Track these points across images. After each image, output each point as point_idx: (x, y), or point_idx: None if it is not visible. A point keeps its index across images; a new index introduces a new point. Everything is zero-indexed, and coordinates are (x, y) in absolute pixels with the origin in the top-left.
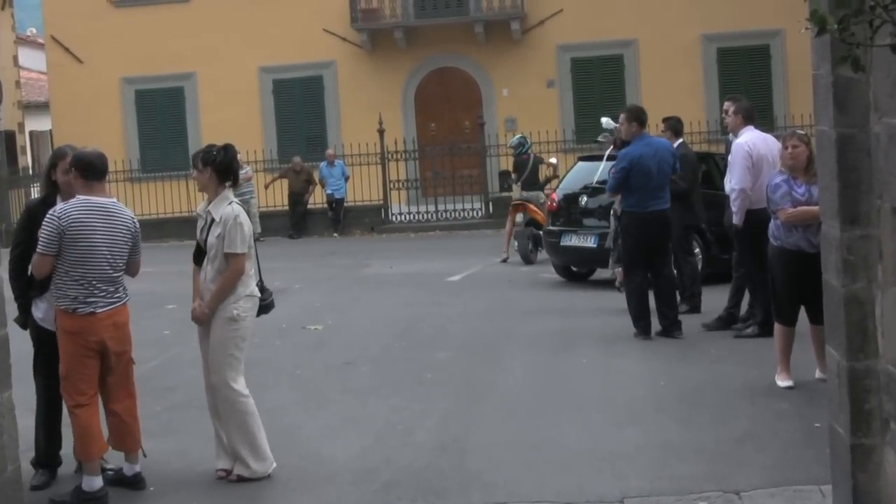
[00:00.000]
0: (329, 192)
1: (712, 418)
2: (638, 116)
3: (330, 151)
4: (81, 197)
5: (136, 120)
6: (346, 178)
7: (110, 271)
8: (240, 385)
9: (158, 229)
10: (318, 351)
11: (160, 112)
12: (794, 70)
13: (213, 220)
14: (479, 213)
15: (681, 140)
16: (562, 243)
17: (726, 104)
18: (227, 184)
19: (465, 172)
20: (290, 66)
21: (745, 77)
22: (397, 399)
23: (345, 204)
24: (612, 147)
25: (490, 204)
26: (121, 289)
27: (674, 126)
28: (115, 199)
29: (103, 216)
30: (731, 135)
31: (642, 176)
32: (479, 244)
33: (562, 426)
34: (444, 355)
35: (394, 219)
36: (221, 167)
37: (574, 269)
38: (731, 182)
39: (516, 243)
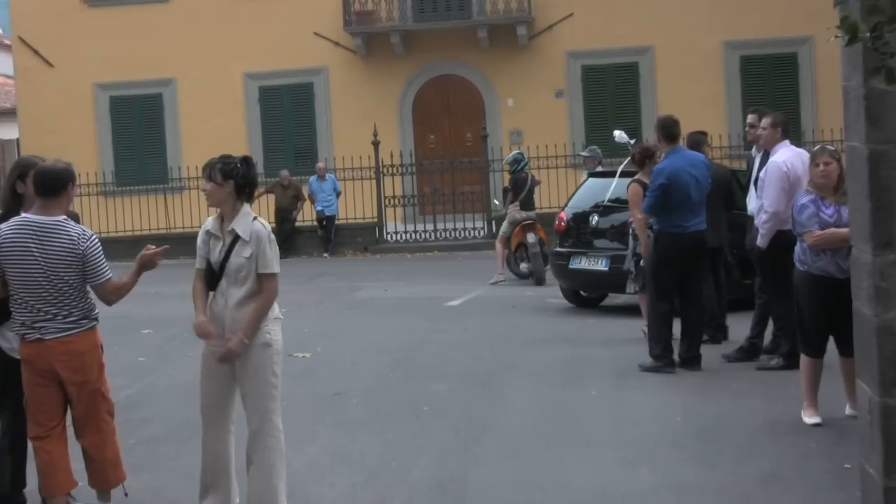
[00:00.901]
0: (319, 208)
1: (733, 457)
2: (665, 129)
3: (320, 165)
4: (21, 216)
5: (111, 129)
6: (338, 194)
7: (55, 294)
8: (279, 419)
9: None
10: (305, 380)
11: (136, 121)
12: (823, 81)
13: (237, 239)
14: (481, 233)
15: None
16: (570, 266)
17: (751, 117)
18: (244, 198)
19: (466, 189)
20: (277, 72)
21: (770, 88)
22: (391, 433)
23: (336, 221)
24: (627, 161)
25: (493, 223)
26: (77, 314)
27: (696, 141)
28: (63, 218)
29: (39, 236)
30: (753, 150)
31: (681, 192)
32: (480, 266)
33: (569, 465)
34: (442, 386)
35: (389, 238)
36: (244, 181)
37: (583, 293)
38: (763, 202)
39: (523, 265)
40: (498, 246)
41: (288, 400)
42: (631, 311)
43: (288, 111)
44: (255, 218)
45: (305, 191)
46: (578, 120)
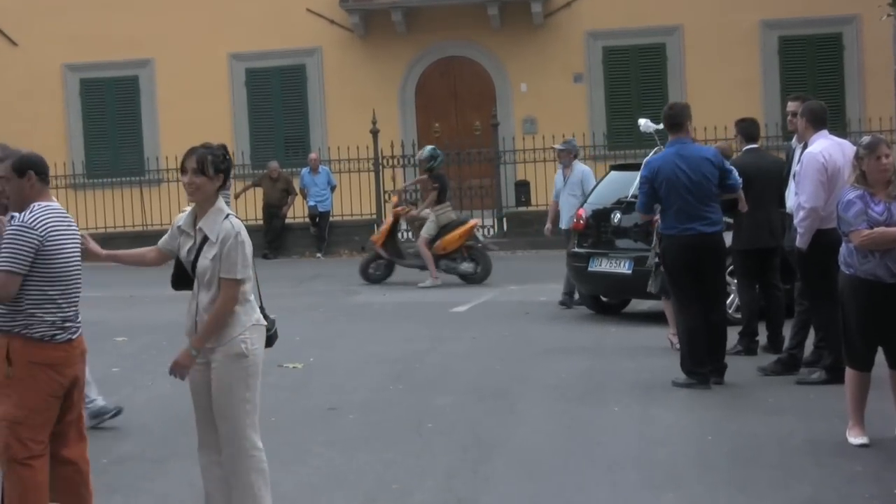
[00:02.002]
0: (312, 203)
1: (770, 481)
2: (666, 119)
3: (313, 155)
4: (42, 203)
5: (81, 115)
6: (333, 188)
7: (79, 288)
8: (257, 437)
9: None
10: (297, 394)
11: (110, 106)
12: (871, 64)
13: (205, 239)
14: (492, 231)
15: (751, 146)
16: (590, 268)
17: (791, 104)
18: (226, 192)
19: (474, 182)
20: (266, 53)
21: (812, 72)
22: (391, 453)
23: (330, 218)
24: (653, 153)
25: (504, 220)
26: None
27: (746, 129)
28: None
29: (71, 226)
30: (793, 141)
31: (672, 189)
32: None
33: (588, 488)
34: (447, 401)
35: None
36: (227, 176)
37: (604, 299)
38: (800, 199)
39: (466, 264)
40: (424, 249)
41: (277, 415)
42: (656, 318)
43: (277, 96)
44: (227, 216)
45: (296, 184)
46: (599, 107)
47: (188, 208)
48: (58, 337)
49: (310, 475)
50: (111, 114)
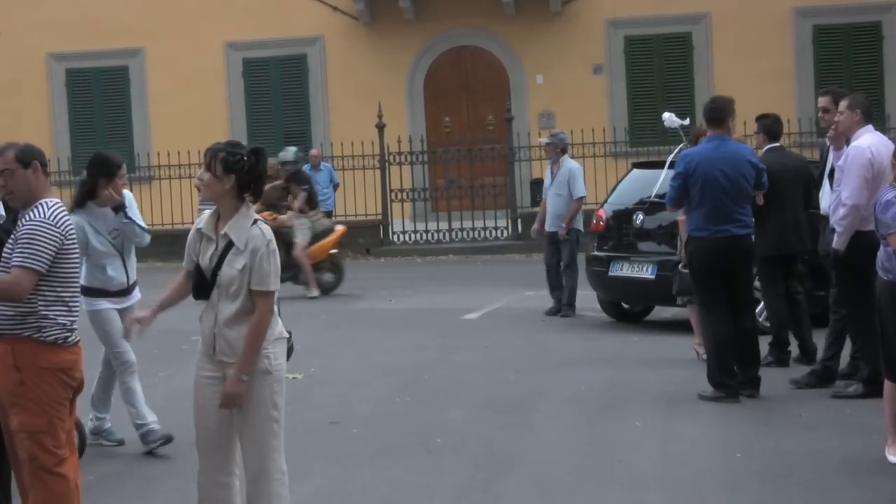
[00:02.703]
0: None
1: (803, 502)
2: (707, 113)
3: (314, 152)
4: (53, 200)
5: (68, 107)
6: (335, 186)
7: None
8: (283, 459)
9: None
10: (297, 406)
11: (97, 98)
12: None
13: (230, 245)
14: (505, 233)
15: (773, 144)
16: (610, 273)
17: (822, 100)
18: (248, 196)
19: (487, 181)
20: (265, 41)
21: (848, 63)
22: (398, 469)
23: (333, 218)
24: (678, 150)
25: (519, 221)
26: None
27: (769, 127)
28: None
29: (72, 224)
30: (827, 139)
31: (707, 188)
32: (504, 272)
33: None
34: (458, 415)
35: (395, 238)
36: (249, 178)
37: (625, 306)
38: (842, 195)
39: (329, 274)
40: (303, 258)
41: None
42: (681, 326)
43: (277, 88)
44: (255, 222)
45: None
46: (620, 100)
47: (208, 212)
48: (69, 339)
49: (311, 494)
50: (99, 107)
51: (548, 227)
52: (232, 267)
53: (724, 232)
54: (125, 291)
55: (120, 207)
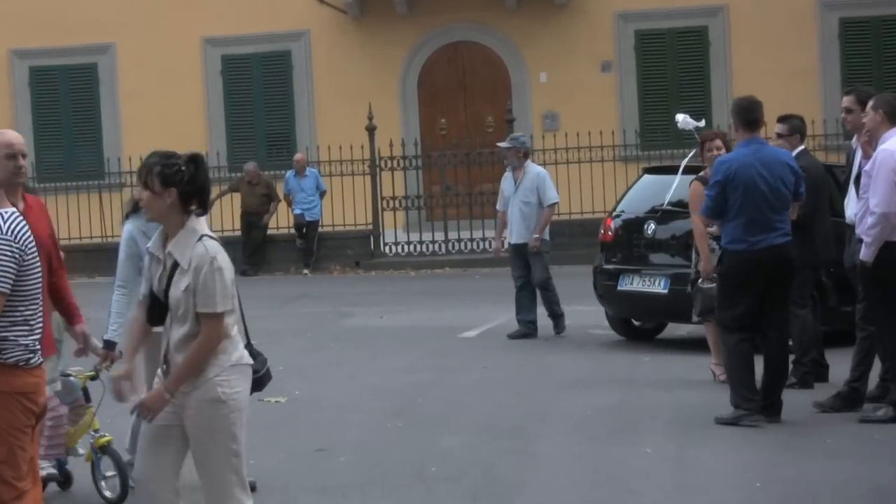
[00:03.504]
0: (298, 211)
1: None
2: (740, 113)
3: (299, 156)
4: (7, 210)
5: (31, 108)
6: (322, 194)
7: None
8: (246, 495)
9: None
10: (280, 432)
11: (64, 98)
12: None
13: (175, 265)
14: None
15: (801, 148)
16: (619, 287)
17: (846, 99)
18: (193, 209)
19: (486, 188)
20: (245, 37)
21: (878, 59)
22: (389, 501)
23: (319, 229)
24: (692, 154)
25: None
26: None
27: (800, 128)
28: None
29: (31, 236)
30: (854, 140)
31: (748, 196)
32: (504, 287)
33: None
34: (454, 441)
35: (387, 250)
36: (190, 189)
37: (636, 322)
38: (870, 202)
39: None
40: None
41: (256, 457)
42: (696, 345)
43: (258, 87)
44: (201, 237)
45: (280, 189)
46: (630, 100)
47: (159, 230)
48: (32, 361)
49: None
50: (65, 108)
51: (514, 240)
52: (178, 288)
53: (764, 242)
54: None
55: None
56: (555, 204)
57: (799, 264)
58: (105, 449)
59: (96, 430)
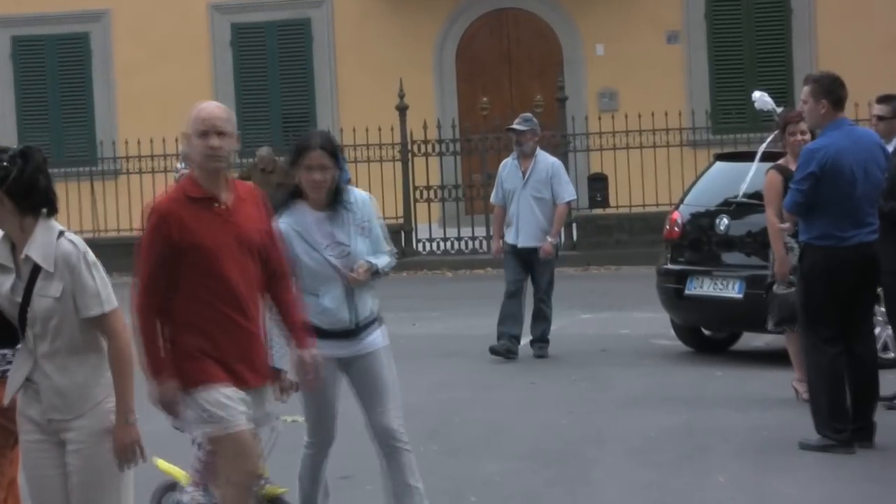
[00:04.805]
0: None
1: None
2: (830, 90)
3: None
4: None
5: (13, 84)
6: (346, 182)
7: None
8: None
9: None
10: (297, 456)
11: (52, 72)
12: None
13: (36, 270)
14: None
15: None
16: (687, 291)
17: (877, 108)
18: (43, 211)
19: None
20: (259, 3)
21: None
22: None
23: None
24: (771, 138)
25: (574, 227)
26: None
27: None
28: None
29: None
30: None
31: (841, 186)
32: (556, 288)
33: None
34: (496, 467)
35: (420, 247)
36: (19, 188)
37: (706, 332)
38: None
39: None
40: None
41: (274, 483)
42: (776, 358)
43: (273, 61)
44: (61, 233)
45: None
46: (700, 76)
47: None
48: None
49: None
50: (53, 83)
51: (520, 242)
52: (45, 296)
53: (855, 239)
54: (350, 333)
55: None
56: (571, 201)
57: (885, 268)
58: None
59: (265, 478)
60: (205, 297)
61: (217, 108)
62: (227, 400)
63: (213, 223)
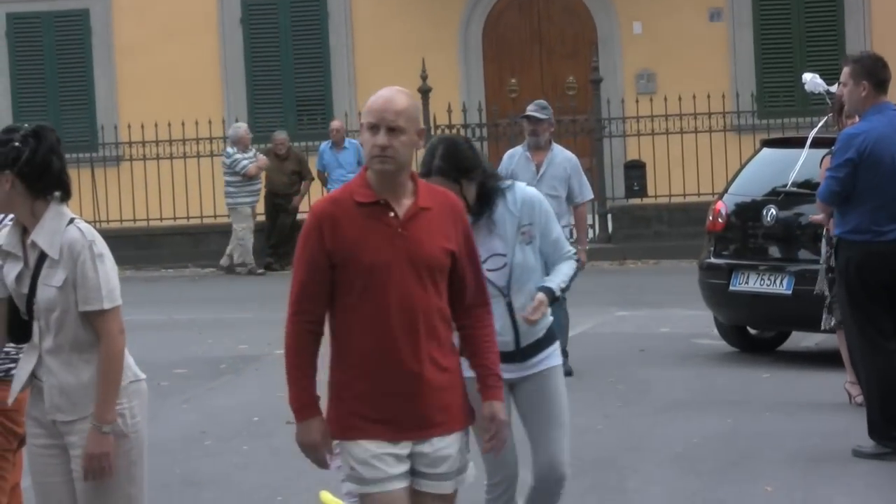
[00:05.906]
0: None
1: None
2: (871, 71)
3: (336, 124)
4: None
5: (9, 65)
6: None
7: None
8: None
9: None
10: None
11: (48, 53)
12: None
13: (42, 257)
14: (591, 233)
15: None
16: (732, 287)
17: None
18: (56, 195)
19: None
20: None
21: None
22: None
23: None
24: (822, 122)
25: (610, 217)
26: None
27: None
28: None
29: None
30: None
31: (879, 175)
32: (589, 285)
33: None
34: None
35: None
36: (30, 170)
37: (752, 331)
38: None
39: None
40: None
41: (283, 493)
42: (828, 359)
43: (287, 40)
44: (72, 220)
45: (313, 165)
46: (746, 56)
47: (11, 223)
48: (13, 372)
49: None
50: (50, 63)
51: None
52: (49, 285)
53: (891, 234)
54: (514, 356)
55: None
56: (589, 201)
57: None
58: None
59: None
60: (361, 326)
61: (393, 97)
62: (373, 459)
63: (379, 235)
